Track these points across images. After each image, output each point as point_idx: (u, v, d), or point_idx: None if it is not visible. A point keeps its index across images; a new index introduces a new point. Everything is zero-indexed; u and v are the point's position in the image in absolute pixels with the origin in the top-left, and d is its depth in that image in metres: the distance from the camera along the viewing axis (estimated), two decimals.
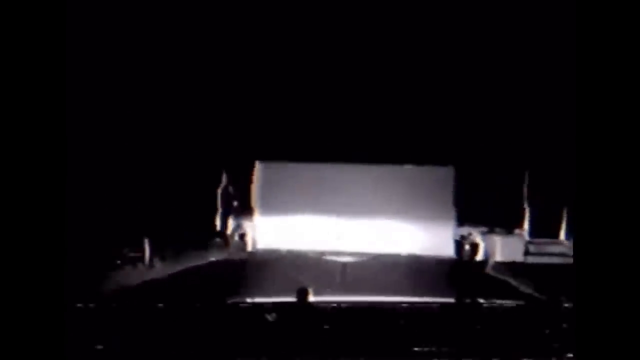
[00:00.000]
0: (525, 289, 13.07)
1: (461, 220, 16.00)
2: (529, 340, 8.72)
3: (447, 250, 15.87)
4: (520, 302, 11.61)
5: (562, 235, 15.42)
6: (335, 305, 10.09)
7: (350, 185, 16.39)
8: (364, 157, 16.00)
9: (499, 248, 15.43)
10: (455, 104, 15.71)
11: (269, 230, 16.27)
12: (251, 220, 16.23)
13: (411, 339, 8.42)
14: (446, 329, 8.94)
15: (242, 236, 16.01)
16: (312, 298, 9.07)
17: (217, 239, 15.76)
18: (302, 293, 8.80)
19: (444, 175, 16.21)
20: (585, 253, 6.29)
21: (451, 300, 11.22)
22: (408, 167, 16.30)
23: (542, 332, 8.87)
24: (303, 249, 15.86)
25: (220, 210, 15.98)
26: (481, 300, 11.22)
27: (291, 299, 9.08)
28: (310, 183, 16.40)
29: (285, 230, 16.22)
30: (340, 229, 16.26)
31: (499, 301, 11.53)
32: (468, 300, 11.04)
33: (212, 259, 14.29)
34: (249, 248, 15.95)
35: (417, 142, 15.90)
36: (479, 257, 15.65)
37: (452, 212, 16.03)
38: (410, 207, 16.10)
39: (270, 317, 8.50)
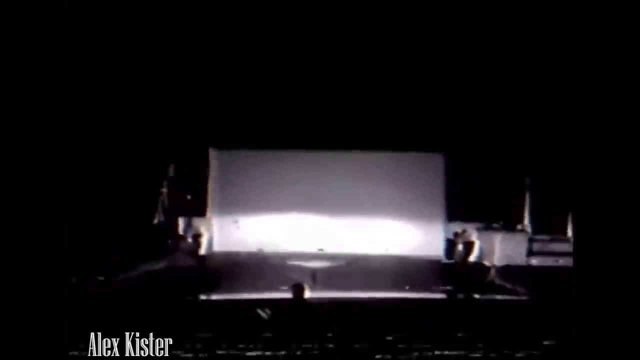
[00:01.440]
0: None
1: (453, 215, 13.91)
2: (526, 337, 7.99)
3: (436, 249, 13.82)
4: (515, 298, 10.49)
5: (570, 231, 13.24)
6: (332, 301, 9.34)
7: (323, 175, 14.22)
8: (338, 142, 13.77)
9: (499, 247, 13.20)
10: (442, 81, 13.40)
11: (227, 230, 14.15)
12: (206, 218, 14.00)
13: (406, 335, 7.88)
14: (441, 325, 8.29)
15: (196, 237, 13.63)
16: (308, 294, 8.65)
17: (169, 241, 13.35)
18: (298, 289, 8.51)
19: (432, 163, 14.17)
20: (585, 252, 6.06)
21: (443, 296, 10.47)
22: (391, 154, 14.16)
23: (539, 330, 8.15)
24: (267, 251, 13.67)
25: (163, 207, 13.62)
26: (476, 296, 10.29)
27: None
28: (275, 174, 14.22)
29: (247, 229, 14.07)
30: (310, 227, 14.20)
31: (492, 296, 10.46)
32: (461, 296, 10.32)
33: (149, 267, 11.65)
34: (203, 251, 13.58)
35: (402, 126, 13.67)
36: (474, 257, 13.44)
37: (442, 206, 14.03)
38: (393, 200, 14.05)
39: (264, 314, 8.09)
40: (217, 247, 14.08)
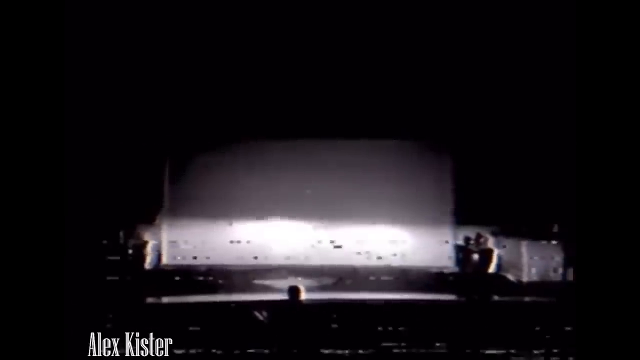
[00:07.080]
0: None
1: (462, 218, 11.46)
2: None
3: (444, 259, 11.31)
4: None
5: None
6: (329, 303, 8.86)
7: (298, 169, 11.64)
8: (324, 128, 11.16)
9: (526, 258, 10.51)
10: (449, 63, 10.66)
11: (181, 239, 11.54)
12: (155, 225, 11.49)
13: (409, 337, 7.80)
14: (449, 328, 8.00)
15: (138, 247, 10.85)
16: (304, 296, 8.26)
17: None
18: (294, 291, 8.21)
19: (436, 153, 11.68)
20: (585, 253, 5.74)
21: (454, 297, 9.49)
22: (386, 142, 11.59)
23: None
24: (228, 264, 11.09)
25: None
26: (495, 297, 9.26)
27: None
28: (240, 170, 11.66)
29: (204, 238, 11.51)
30: (283, 235, 11.66)
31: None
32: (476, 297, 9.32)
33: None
34: (147, 265, 10.85)
35: (401, 110, 11.09)
36: (493, 269, 10.72)
37: (450, 206, 11.59)
38: (388, 198, 11.42)
39: (261, 316, 8.06)
40: (166, 260, 11.49)
